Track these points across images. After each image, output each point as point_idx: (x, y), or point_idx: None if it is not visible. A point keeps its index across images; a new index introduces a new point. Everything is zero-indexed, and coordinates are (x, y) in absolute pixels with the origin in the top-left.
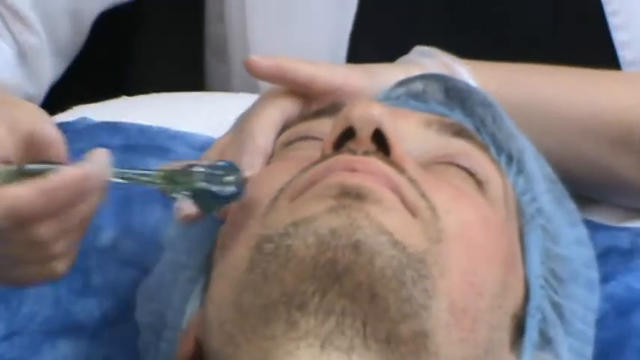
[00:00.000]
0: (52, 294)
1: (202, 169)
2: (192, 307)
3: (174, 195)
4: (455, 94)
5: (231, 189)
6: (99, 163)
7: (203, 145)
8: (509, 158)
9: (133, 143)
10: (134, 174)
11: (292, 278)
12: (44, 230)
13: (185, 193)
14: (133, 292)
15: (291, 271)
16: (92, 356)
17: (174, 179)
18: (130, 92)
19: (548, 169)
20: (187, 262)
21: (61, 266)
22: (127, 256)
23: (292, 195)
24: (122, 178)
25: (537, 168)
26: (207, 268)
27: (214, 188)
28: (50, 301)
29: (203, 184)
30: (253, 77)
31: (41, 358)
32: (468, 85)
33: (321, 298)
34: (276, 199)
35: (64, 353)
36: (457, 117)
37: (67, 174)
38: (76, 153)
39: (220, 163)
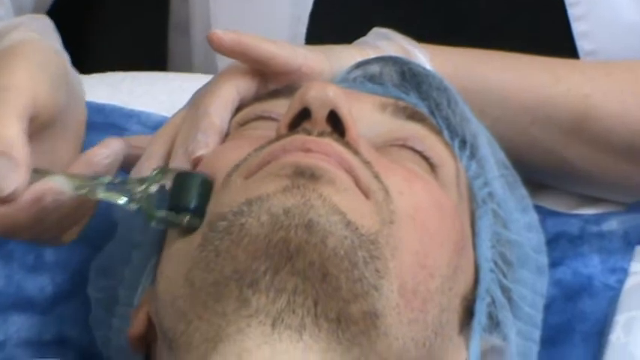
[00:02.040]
0: (4, 270)
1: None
2: (144, 284)
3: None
4: (411, 77)
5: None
6: (55, 180)
7: (157, 125)
8: (463, 142)
9: (88, 121)
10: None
11: (244, 256)
12: (21, 238)
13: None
14: (85, 269)
15: (244, 249)
16: (44, 332)
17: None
18: (90, 69)
19: (501, 155)
20: (140, 240)
21: (64, 240)
22: (80, 232)
23: (246, 173)
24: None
25: (490, 153)
26: (159, 245)
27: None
28: (2, 277)
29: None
30: (215, 51)
31: None
32: (424, 68)
33: (272, 276)
34: (229, 176)
35: (17, 328)
36: (412, 100)
37: (23, 199)
38: None
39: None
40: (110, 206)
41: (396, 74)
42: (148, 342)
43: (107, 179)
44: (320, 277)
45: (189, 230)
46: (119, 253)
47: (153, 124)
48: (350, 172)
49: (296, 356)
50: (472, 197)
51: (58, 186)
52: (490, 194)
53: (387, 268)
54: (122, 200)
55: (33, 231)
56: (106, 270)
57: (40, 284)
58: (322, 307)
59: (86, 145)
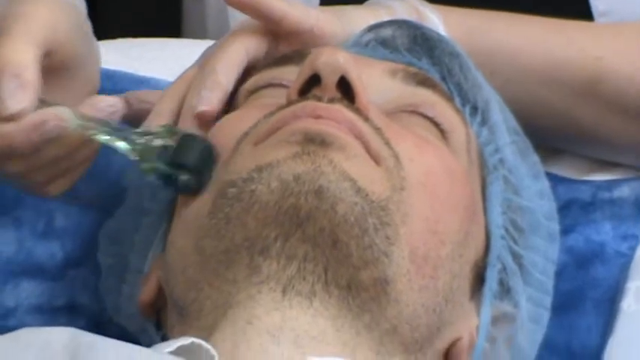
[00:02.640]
0: (15, 235)
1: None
2: (154, 251)
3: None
4: (423, 41)
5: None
6: (61, 111)
7: None
8: (474, 109)
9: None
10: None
11: (255, 223)
12: (12, 167)
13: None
14: (95, 235)
15: (254, 216)
16: (55, 298)
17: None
18: (103, 34)
19: (513, 122)
20: (150, 207)
21: (51, 190)
22: (90, 198)
23: (256, 140)
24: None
25: (502, 119)
26: (169, 213)
27: (118, 143)
28: (13, 243)
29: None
30: (228, 5)
31: (3, 297)
32: (437, 33)
33: (283, 243)
34: (239, 143)
35: (27, 294)
36: (424, 65)
37: (26, 120)
38: None
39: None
40: (120, 172)
41: (407, 39)
42: (157, 308)
43: (113, 124)
44: (330, 244)
45: (182, 190)
46: (129, 219)
47: None
48: (360, 138)
49: (306, 322)
50: (483, 163)
51: (63, 116)
52: (501, 160)
53: (398, 235)
54: (123, 146)
55: (28, 162)
56: (116, 236)
57: (50, 250)
58: (332, 274)
59: None
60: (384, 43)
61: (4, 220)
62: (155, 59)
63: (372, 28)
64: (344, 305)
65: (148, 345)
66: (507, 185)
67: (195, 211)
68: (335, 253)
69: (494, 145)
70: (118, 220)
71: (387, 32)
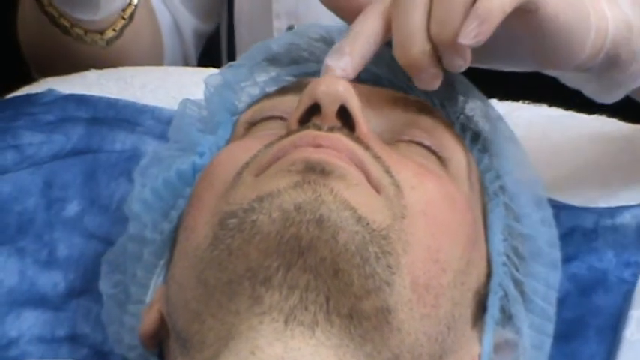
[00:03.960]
0: (18, 265)
1: None
2: (155, 282)
3: None
4: None
5: None
6: None
7: (170, 119)
8: (476, 135)
9: (100, 116)
10: None
11: (257, 253)
12: None
13: None
14: (98, 265)
15: (256, 246)
16: (57, 328)
17: None
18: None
19: (521, 154)
20: (152, 237)
21: None
22: (93, 228)
23: (257, 170)
24: None
25: (505, 147)
26: (171, 243)
27: None
28: (16, 272)
29: None
30: None
31: (6, 327)
32: None
33: (285, 273)
34: (239, 174)
35: (29, 324)
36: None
37: None
38: (44, 125)
39: None
40: (123, 204)
41: None
42: (160, 339)
43: None
44: (332, 273)
45: None
46: (130, 249)
47: (166, 119)
48: (361, 167)
49: (308, 352)
50: (484, 190)
51: None
52: (502, 187)
53: (399, 264)
54: None
55: None
56: (118, 266)
57: (53, 280)
58: (334, 303)
59: (97, 141)
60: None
61: (7, 250)
62: (158, 88)
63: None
64: (346, 334)
65: None
66: (508, 212)
67: (195, 243)
68: (336, 282)
69: (494, 172)
70: (120, 250)
71: None
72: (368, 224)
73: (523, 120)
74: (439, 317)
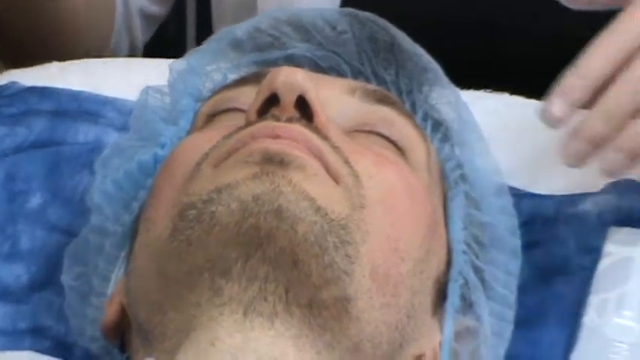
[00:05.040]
0: None
1: None
2: (117, 275)
3: None
4: (398, 52)
5: None
6: None
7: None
8: (437, 124)
9: (63, 108)
10: None
11: (216, 244)
12: None
13: None
14: (61, 258)
15: (215, 238)
16: (19, 321)
17: None
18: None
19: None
20: (113, 228)
21: None
22: (56, 221)
23: (215, 161)
24: None
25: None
26: (132, 234)
27: None
28: None
29: None
30: None
31: None
32: (413, 45)
33: (244, 264)
34: (199, 165)
35: None
36: (390, 76)
37: None
38: (6, 117)
39: None
40: (85, 196)
41: (384, 45)
42: (121, 331)
43: None
44: (291, 264)
45: None
46: (92, 241)
47: (129, 111)
48: (319, 157)
49: (267, 343)
50: (444, 179)
51: None
52: (462, 176)
53: (358, 253)
54: None
55: None
56: (80, 258)
57: (15, 273)
58: (293, 294)
59: (60, 133)
60: (360, 43)
61: None
62: (120, 79)
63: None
64: (305, 325)
65: None
66: (469, 200)
67: (155, 235)
68: (296, 272)
69: (455, 161)
70: (82, 242)
71: (367, 32)
72: (326, 214)
73: (485, 108)
74: (399, 306)
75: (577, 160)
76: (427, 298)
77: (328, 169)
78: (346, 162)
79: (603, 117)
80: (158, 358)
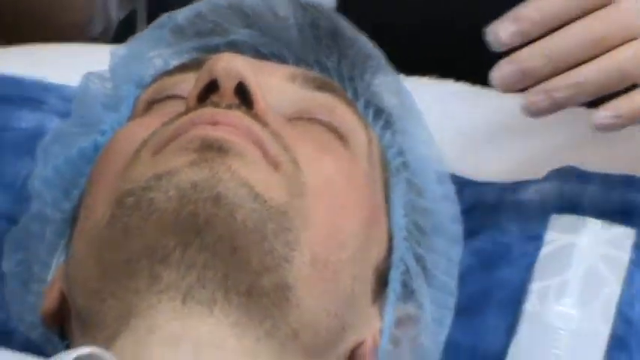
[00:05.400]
0: None
1: None
2: (57, 261)
3: None
4: (340, 39)
5: None
6: None
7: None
8: (379, 112)
9: (5, 94)
10: None
11: (154, 232)
12: None
13: None
14: (1, 244)
15: (153, 225)
16: None
17: None
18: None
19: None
20: (53, 215)
21: None
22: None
23: (154, 148)
24: None
25: (410, 124)
26: (72, 221)
27: None
28: None
29: None
30: None
31: None
32: (354, 31)
33: (182, 251)
34: (138, 152)
35: None
36: (332, 63)
37: None
38: None
39: None
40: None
41: (326, 32)
42: (61, 318)
43: None
44: (229, 251)
45: None
46: (33, 228)
47: (73, 97)
48: (258, 144)
49: (206, 331)
50: (386, 166)
51: None
52: (404, 164)
53: (298, 240)
54: None
55: None
56: (21, 244)
57: None
58: (232, 281)
59: (2, 119)
60: (302, 30)
61: None
62: (67, 65)
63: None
64: (244, 312)
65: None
66: (411, 188)
67: (93, 222)
68: (234, 260)
69: (397, 148)
70: (23, 229)
71: (309, 19)
72: (265, 201)
73: (428, 96)
74: (338, 293)
75: (504, 85)
76: (367, 286)
77: (267, 156)
78: (286, 149)
79: (546, 54)
80: (97, 345)
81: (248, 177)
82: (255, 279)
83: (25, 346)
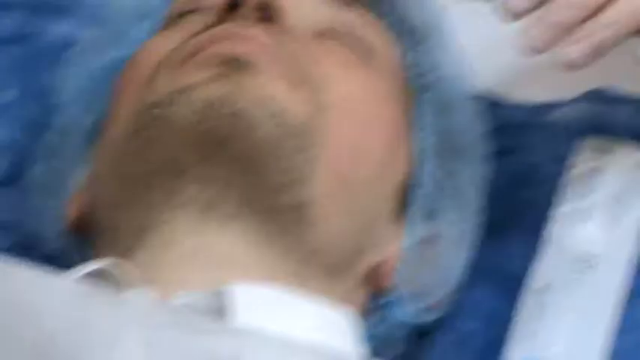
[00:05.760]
0: None
1: None
2: (80, 173)
3: None
4: None
5: None
6: None
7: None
8: (410, 29)
9: (37, 3)
10: None
11: (174, 146)
12: None
13: None
14: (29, 155)
15: (173, 139)
16: None
17: None
18: None
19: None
20: (78, 127)
21: None
22: (27, 117)
23: (176, 63)
24: None
25: (439, 42)
26: (96, 133)
27: None
28: None
29: None
30: None
31: None
32: None
33: (201, 166)
34: (159, 67)
35: None
36: None
37: None
38: None
39: None
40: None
41: None
42: (82, 230)
43: None
44: (248, 168)
45: None
46: (58, 139)
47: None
48: (280, 61)
49: (223, 246)
50: (413, 85)
51: None
52: (432, 83)
53: (318, 157)
54: None
55: None
56: (46, 155)
57: None
58: (251, 198)
59: (33, 28)
60: None
61: None
62: None
63: None
64: (262, 229)
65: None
66: (438, 107)
67: (116, 133)
68: (253, 176)
69: (424, 66)
70: (48, 140)
71: None
72: (285, 118)
73: (458, 14)
74: (358, 212)
75: (536, 48)
76: (389, 204)
77: (289, 73)
78: (308, 66)
79: (570, 3)
80: (115, 258)
81: (268, 93)
82: (274, 196)
83: (45, 260)
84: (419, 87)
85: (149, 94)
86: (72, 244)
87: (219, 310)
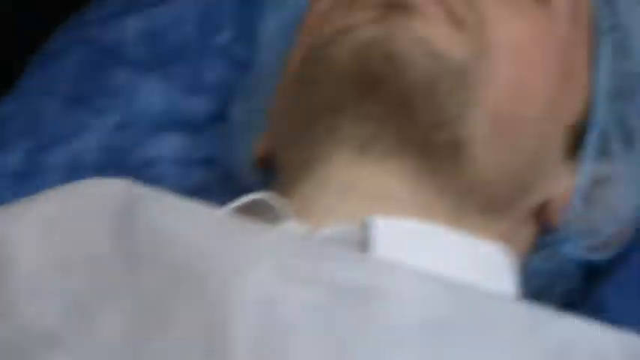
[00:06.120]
0: (164, 89)
1: None
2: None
3: None
4: None
5: None
6: None
7: None
8: None
9: None
10: None
11: (332, 85)
12: None
13: None
14: (235, 90)
15: (332, 79)
16: (194, 150)
17: None
18: None
19: None
20: (277, 66)
21: None
22: (240, 56)
23: (343, 6)
24: None
25: None
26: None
27: None
28: (162, 96)
29: None
30: None
31: (145, 149)
32: None
33: (359, 104)
34: (330, 10)
35: (170, 147)
36: None
37: None
38: None
39: None
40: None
41: None
42: (268, 167)
43: None
44: (401, 107)
45: None
46: (260, 80)
47: None
48: (444, 3)
49: (381, 181)
50: (594, 26)
51: None
52: (615, 25)
53: (476, 98)
54: None
55: None
56: (248, 94)
57: (195, 105)
58: (406, 135)
59: None
60: None
61: (156, 75)
62: None
63: None
64: (418, 165)
65: None
66: (619, 49)
67: (288, 74)
68: (406, 115)
69: (609, 8)
70: (251, 79)
71: None
72: (442, 58)
73: None
74: (520, 151)
75: None
76: (558, 144)
77: (452, 15)
78: (474, 8)
79: None
80: (279, 191)
81: (427, 34)
82: (427, 134)
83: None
84: (604, 28)
85: (314, 37)
86: (261, 180)
87: (362, 242)
